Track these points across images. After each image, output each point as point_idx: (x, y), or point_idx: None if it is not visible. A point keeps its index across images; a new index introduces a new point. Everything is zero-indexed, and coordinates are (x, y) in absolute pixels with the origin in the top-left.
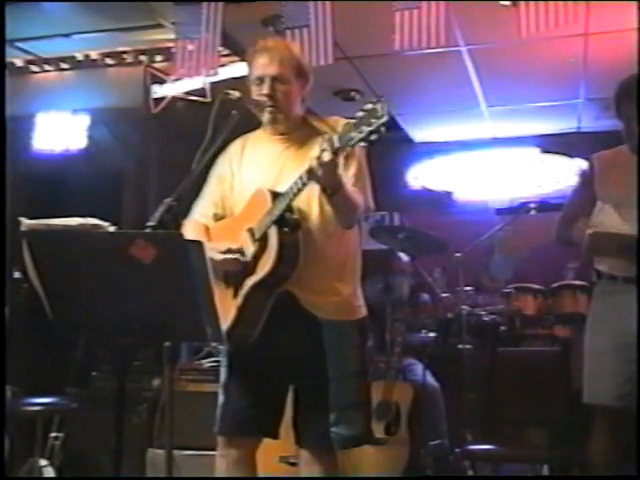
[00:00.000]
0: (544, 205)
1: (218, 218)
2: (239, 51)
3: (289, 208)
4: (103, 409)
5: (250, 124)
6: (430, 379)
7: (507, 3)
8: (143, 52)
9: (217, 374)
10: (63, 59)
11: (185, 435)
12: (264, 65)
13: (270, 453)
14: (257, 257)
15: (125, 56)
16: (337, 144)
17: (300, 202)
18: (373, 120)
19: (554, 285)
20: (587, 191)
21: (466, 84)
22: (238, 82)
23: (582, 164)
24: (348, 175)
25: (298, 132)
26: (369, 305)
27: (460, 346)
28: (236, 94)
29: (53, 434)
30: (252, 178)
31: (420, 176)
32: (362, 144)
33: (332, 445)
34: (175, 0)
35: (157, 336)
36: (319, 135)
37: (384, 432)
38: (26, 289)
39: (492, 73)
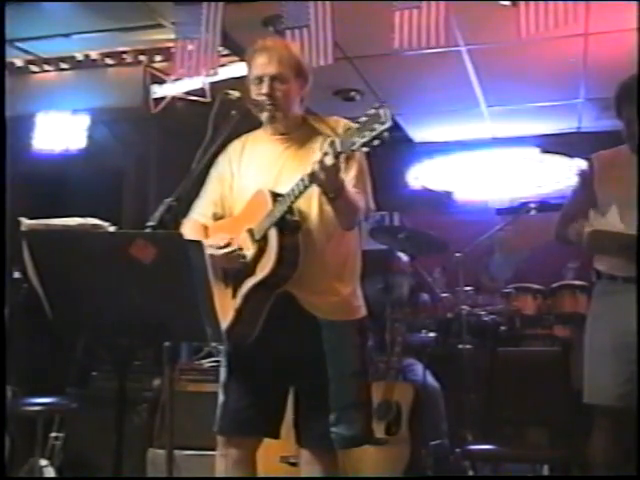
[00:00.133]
0: (544, 205)
1: (217, 218)
2: (239, 51)
3: (290, 210)
4: (103, 409)
5: (250, 124)
6: (430, 379)
7: (507, 3)
8: (143, 52)
9: (217, 374)
10: (63, 59)
11: (185, 435)
12: (263, 65)
13: (271, 453)
14: (257, 258)
15: (125, 56)
16: (339, 148)
17: (300, 203)
18: (376, 125)
19: (554, 285)
20: (586, 191)
21: (466, 84)
22: (238, 82)
23: (582, 164)
24: (349, 176)
25: (298, 132)
26: (369, 305)
27: (460, 346)
28: (236, 94)
29: (53, 434)
30: (252, 178)
31: (420, 176)
32: (364, 149)
33: (332, 445)
34: (175, 0)
35: (157, 336)
36: (319, 135)
37: (385, 432)
38: (26, 289)
39: (492, 73)
